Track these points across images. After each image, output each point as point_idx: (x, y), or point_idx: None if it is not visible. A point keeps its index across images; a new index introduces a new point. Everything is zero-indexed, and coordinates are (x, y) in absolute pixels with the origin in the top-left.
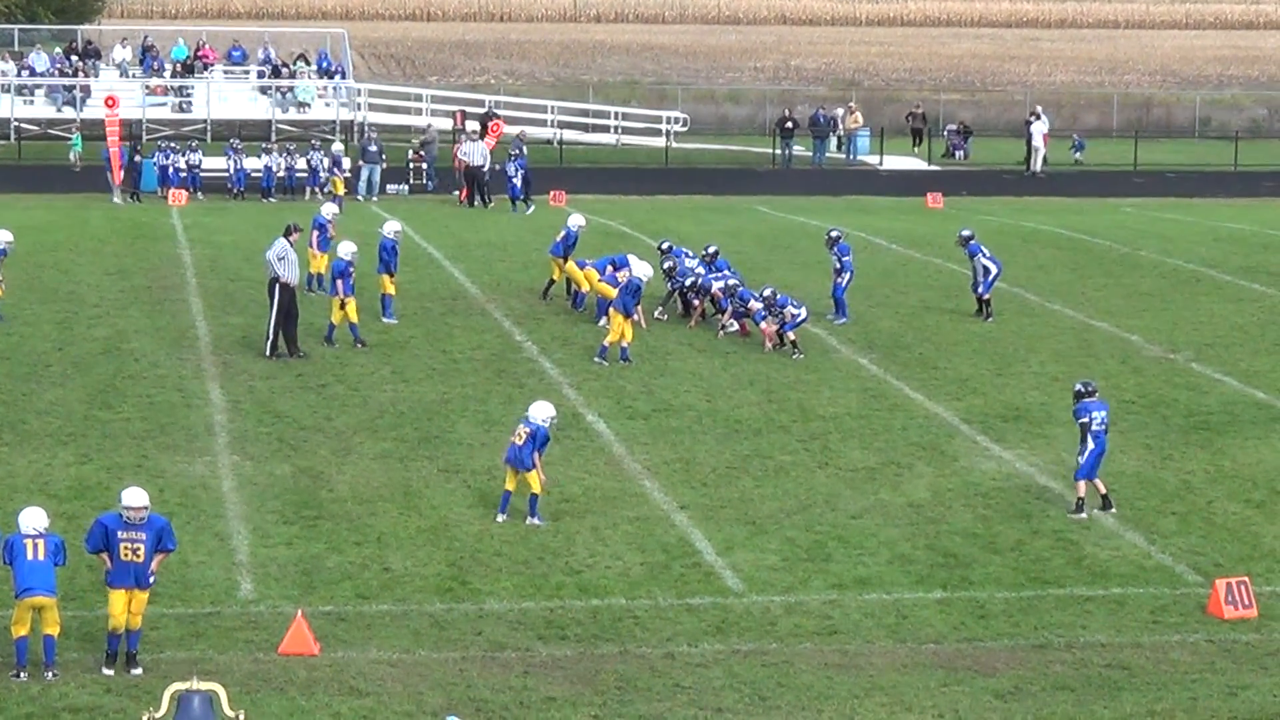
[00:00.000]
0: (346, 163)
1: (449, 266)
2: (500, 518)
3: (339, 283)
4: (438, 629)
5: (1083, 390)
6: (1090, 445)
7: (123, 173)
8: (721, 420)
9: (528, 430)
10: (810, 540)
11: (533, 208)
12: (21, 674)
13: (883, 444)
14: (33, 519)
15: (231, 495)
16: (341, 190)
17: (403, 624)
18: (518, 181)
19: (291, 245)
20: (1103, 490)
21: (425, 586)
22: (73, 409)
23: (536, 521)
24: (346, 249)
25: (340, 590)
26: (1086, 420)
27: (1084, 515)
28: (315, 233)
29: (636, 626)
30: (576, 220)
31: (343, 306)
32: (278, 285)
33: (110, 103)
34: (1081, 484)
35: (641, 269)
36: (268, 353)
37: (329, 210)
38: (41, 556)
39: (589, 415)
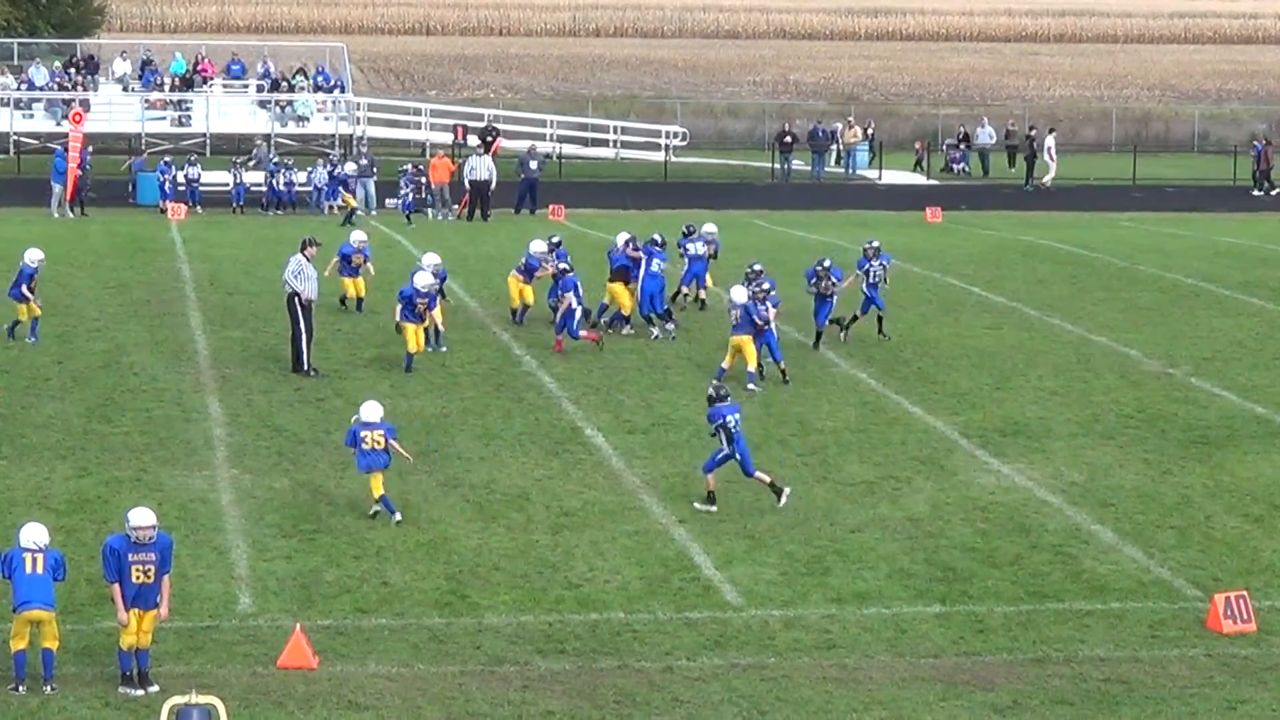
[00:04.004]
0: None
1: (448, 280)
2: (397, 517)
3: (400, 308)
4: (436, 643)
5: (714, 395)
6: (727, 448)
7: (74, 189)
8: None
9: (381, 431)
10: (809, 554)
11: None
12: (20, 687)
13: (881, 458)
14: (33, 534)
15: (230, 509)
16: (352, 204)
17: (401, 638)
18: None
19: (309, 260)
20: (767, 480)
21: (424, 600)
22: (71, 423)
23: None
24: (423, 280)
25: (339, 604)
26: (722, 423)
27: (714, 507)
28: (338, 260)
29: (635, 640)
30: (537, 246)
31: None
32: (296, 300)
33: (76, 119)
34: (710, 477)
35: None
36: (305, 368)
37: (356, 239)
38: (40, 570)
39: (588, 429)
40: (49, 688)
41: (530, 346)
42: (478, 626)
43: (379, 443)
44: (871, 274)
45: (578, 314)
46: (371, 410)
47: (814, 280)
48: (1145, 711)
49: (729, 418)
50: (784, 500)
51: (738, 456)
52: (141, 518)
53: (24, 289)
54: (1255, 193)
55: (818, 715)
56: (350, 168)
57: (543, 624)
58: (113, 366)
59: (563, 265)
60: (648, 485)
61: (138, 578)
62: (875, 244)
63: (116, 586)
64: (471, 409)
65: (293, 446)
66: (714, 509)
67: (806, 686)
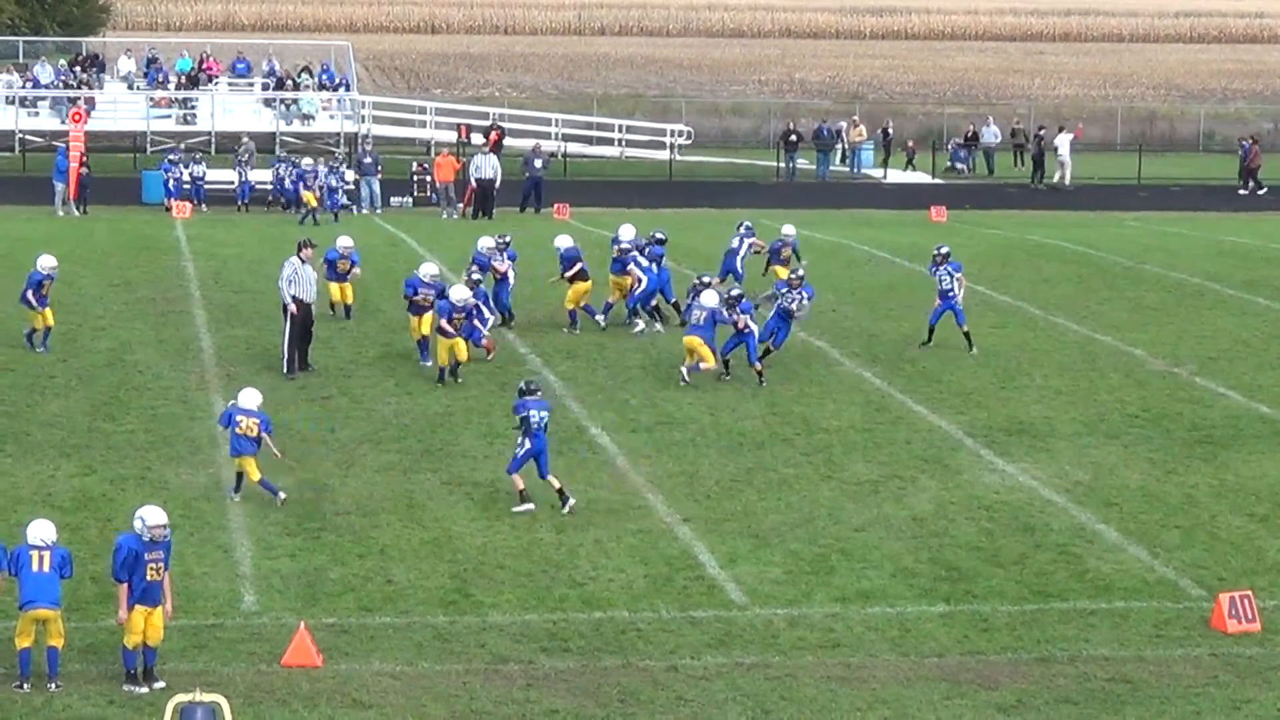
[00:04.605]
0: (350, 175)
1: (452, 279)
2: (235, 497)
3: (443, 322)
4: (440, 641)
5: (523, 388)
6: (529, 444)
7: (76, 188)
8: (725, 433)
9: (256, 420)
10: (813, 553)
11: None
12: (25, 685)
13: (886, 457)
14: (41, 531)
15: (234, 507)
16: (313, 203)
17: (405, 636)
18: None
19: (304, 262)
20: (557, 485)
21: (428, 599)
22: (76, 421)
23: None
24: (459, 294)
25: (343, 602)
26: (525, 416)
27: (531, 505)
28: (324, 266)
29: (639, 639)
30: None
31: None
32: (285, 308)
33: (76, 118)
34: (516, 478)
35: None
36: (285, 371)
37: (343, 244)
38: (47, 569)
39: (593, 428)
40: (54, 685)
41: (534, 345)
42: (482, 625)
43: (252, 430)
44: (940, 279)
45: (490, 321)
46: (249, 398)
47: (783, 290)
48: (1150, 711)
49: (533, 412)
50: (568, 508)
51: (535, 455)
52: (158, 516)
53: (29, 295)
54: (1241, 191)
55: (822, 714)
56: (306, 163)
57: (547, 622)
58: (117, 364)
59: (477, 275)
60: (652, 484)
61: (151, 575)
62: (944, 250)
63: (125, 586)
64: (476, 407)
65: (297, 445)
66: (532, 507)
67: (811, 685)
